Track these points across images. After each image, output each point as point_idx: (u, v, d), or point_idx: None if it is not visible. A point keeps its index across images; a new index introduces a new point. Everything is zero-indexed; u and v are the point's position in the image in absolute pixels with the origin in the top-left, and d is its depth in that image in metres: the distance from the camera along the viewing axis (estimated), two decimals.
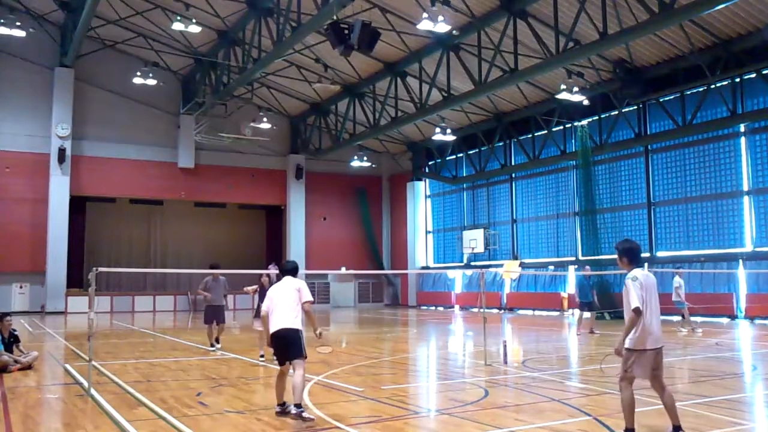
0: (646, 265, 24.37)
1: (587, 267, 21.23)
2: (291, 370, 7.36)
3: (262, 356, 12.66)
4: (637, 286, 5.94)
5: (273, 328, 7.38)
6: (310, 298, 7.56)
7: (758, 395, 9.10)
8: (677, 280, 18.75)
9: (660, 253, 25.37)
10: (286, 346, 7.34)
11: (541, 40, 20.61)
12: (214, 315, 14.56)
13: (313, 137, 36.19)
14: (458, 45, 24.36)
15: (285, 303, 7.45)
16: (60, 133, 31.48)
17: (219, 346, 14.39)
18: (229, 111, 34.06)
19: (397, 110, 28.57)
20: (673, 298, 18.48)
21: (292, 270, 7.91)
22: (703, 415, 7.13)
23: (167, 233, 36.99)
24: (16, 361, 11.18)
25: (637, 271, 6.08)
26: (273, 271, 14.56)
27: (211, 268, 15.43)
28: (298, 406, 7.01)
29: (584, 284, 18.53)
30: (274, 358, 12.56)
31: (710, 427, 6.60)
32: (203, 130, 34.45)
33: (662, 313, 6.43)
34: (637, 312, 5.86)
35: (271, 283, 13.40)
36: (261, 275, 13.64)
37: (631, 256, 6.21)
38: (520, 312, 30.49)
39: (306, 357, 7.37)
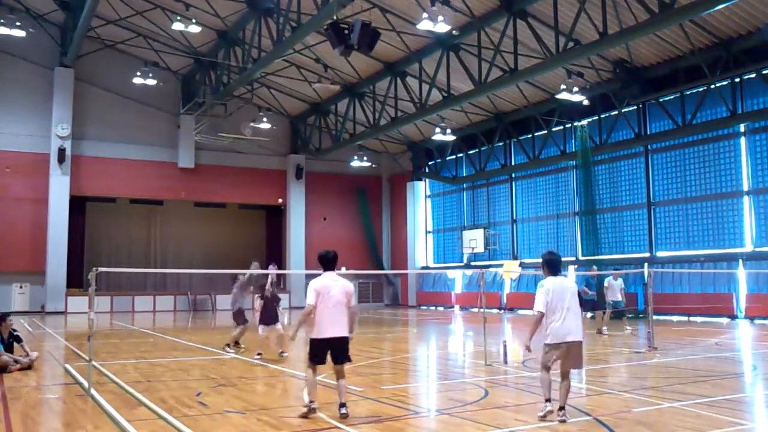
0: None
1: (594, 267, 21.13)
2: (307, 372, 7.38)
3: (259, 354, 12.67)
4: (543, 292, 7.05)
5: (325, 333, 7.09)
6: (354, 303, 7.43)
7: (758, 395, 9.10)
8: (611, 281, 18.74)
9: (660, 253, 25.37)
10: (337, 352, 7.20)
11: (541, 40, 20.61)
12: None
13: (313, 137, 36.18)
14: (458, 45, 24.36)
15: (337, 306, 7.14)
16: (60, 133, 31.48)
17: (233, 349, 14.08)
18: (229, 111, 34.05)
19: (397, 110, 28.57)
20: (609, 298, 18.53)
21: (334, 261, 7.42)
22: (703, 415, 7.13)
23: (167, 233, 36.99)
24: (16, 361, 11.18)
25: (548, 280, 7.13)
26: (273, 271, 14.58)
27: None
28: (343, 405, 7.13)
29: (590, 283, 18.49)
30: (283, 354, 12.61)
31: (710, 427, 6.60)
32: (203, 130, 34.43)
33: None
34: (539, 314, 7.08)
35: (272, 290, 13.50)
36: (264, 283, 13.61)
37: (551, 266, 7.25)
38: (520, 312, 30.48)
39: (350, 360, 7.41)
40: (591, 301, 18.17)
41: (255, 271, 14.89)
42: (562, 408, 6.89)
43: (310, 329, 7.26)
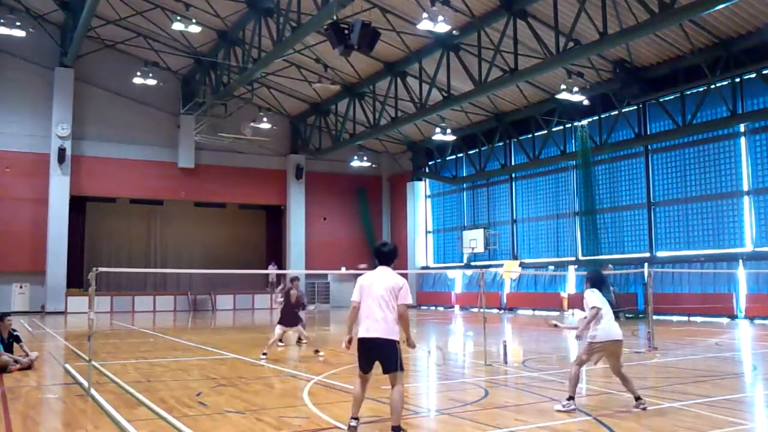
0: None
1: (609, 265, 20.98)
2: (356, 384, 6.61)
3: (264, 354, 12.68)
4: (596, 294, 7.81)
5: (362, 332, 6.30)
6: (409, 301, 6.39)
7: (758, 395, 9.10)
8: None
9: (660, 253, 25.37)
10: (377, 357, 6.35)
11: (541, 40, 20.61)
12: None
13: (313, 137, 36.18)
14: (458, 45, 24.36)
15: (379, 304, 6.29)
16: (60, 133, 31.48)
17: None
18: (229, 111, 34.05)
19: (397, 110, 28.56)
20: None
21: (389, 255, 6.61)
22: (703, 415, 7.13)
23: (167, 233, 36.98)
24: (16, 361, 11.18)
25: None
26: (273, 271, 14.63)
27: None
28: (396, 429, 6.13)
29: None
30: (319, 353, 12.76)
31: (710, 427, 6.60)
32: (203, 130, 34.44)
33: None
34: (596, 310, 7.66)
35: (298, 296, 13.64)
36: (292, 286, 13.64)
37: (597, 284, 8.04)
38: (520, 312, 30.49)
39: (403, 369, 6.43)
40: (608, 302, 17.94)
41: (255, 271, 14.93)
42: (638, 398, 7.50)
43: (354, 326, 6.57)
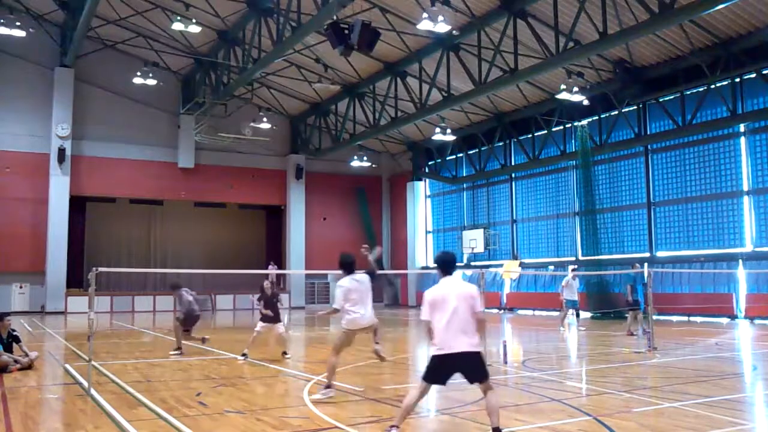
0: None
1: (637, 264, 20.81)
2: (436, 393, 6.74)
3: (244, 355, 12.62)
4: (342, 291, 8.40)
5: (444, 349, 6.09)
6: (482, 308, 6.30)
7: (758, 395, 9.10)
8: (569, 281, 18.90)
9: (660, 253, 25.36)
10: (461, 371, 6.21)
11: (541, 40, 20.60)
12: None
13: (313, 137, 36.18)
14: (458, 45, 24.35)
15: (457, 316, 6.07)
16: (60, 133, 31.48)
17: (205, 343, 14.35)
18: (229, 111, 34.05)
19: (397, 110, 28.56)
20: (566, 296, 18.70)
21: (453, 264, 6.52)
22: (703, 415, 7.13)
23: (167, 233, 36.98)
24: (16, 361, 11.18)
25: (344, 279, 8.43)
26: (273, 271, 14.63)
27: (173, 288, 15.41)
28: (497, 430, 6.02)
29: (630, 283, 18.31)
30: (286, 355, 12.69)
31: (710, 427, 6.60)
32: (203, 130, 34.43)
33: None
34: (336, 309, 8.44)
35: (272, 288, 13.52)
36: (263, 282, 13.60)
37: (344, 266, 8.52)
38: (520, 312, 30.49)
39: (488, 374, 6.31)
40: (636, 301, 17.73)
41: (255, 271, 14.95)
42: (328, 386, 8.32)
43: (432, 344, 6.35)
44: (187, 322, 14.21)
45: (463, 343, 6.02)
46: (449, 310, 6.09)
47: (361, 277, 8.61)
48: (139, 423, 6.98)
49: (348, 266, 8.59)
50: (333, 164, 38.29)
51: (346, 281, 8.43)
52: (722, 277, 23.10)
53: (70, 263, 31.72)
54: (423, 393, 6.30)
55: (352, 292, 8.40)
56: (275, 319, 13.13)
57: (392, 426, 6.14)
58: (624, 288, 18.23)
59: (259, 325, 13.09)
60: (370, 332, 8.90)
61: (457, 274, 6.51)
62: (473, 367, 6.12)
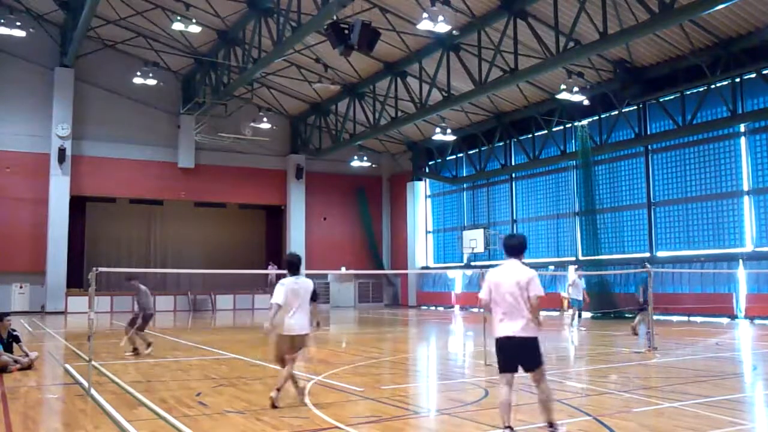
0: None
1: (647, 264, 20.76)
2: (500, 386, 6.21)
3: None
4: (282, 288, 7.83)
5: (499, 332, 6.11)
6: (540, 292, 6.02)
7: (758, 395, 9.10)
8: (576, 281, 18.89)
9: (660, 253, 25.36)
10: (517, 356, 6.08)
11: (541, 40, 20.61)
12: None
13: (313, 137, 36.18)
14: (458, 45, 24.36)
15: (511, 300, 6.02)
16: (60, 133, 31.48)
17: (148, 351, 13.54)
18: (229, 111, 34.05)
19: (397, 110, 28.56)
20: (572, 295, 18.69)
21: (517, 248, 6.26)
22: (703, 415, 7.13)
23: (167, 233, 36.97)
24: (16, 361, 11.18)
25: (287, 278, 7.97)
26: (272, 271, 14.59)
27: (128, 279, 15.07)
28: (551, 425, 5.90)
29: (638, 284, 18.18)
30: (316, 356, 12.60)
31: (710, 427, 6.60)
32: (203, 130, 34.44)
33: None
34: (276, 306, 7.80)
35: (271, 284, 13.49)
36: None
37: (289, 267, 8.11)
38: None
39: (544, 363, 6.13)
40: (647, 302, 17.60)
41: (255, 271, 14.86)
42: (279, 389, 7.86)
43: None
44: (147, 319, 13.68)
45: (516, 328, 5.99)
46: (502, 294, 6.07)
47: (304, 282, 8.02)
48: (139, 423, 6.98)
49: (293, 266, 8.12)
50: (333, 164, 38.29)
51: (289, 281, 7.92)
52: (722, 277, 23.10)
53: (70, 263, 31.71)
54: (507, 385, 6.10)
55: (289, 294, 7.83)
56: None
57: (506, 427, 5.96)
58: (637, 288, 18.13)
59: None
60: (292, 356, 7.93)
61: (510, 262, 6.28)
62: (527, 353, 6.02)
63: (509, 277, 6.08)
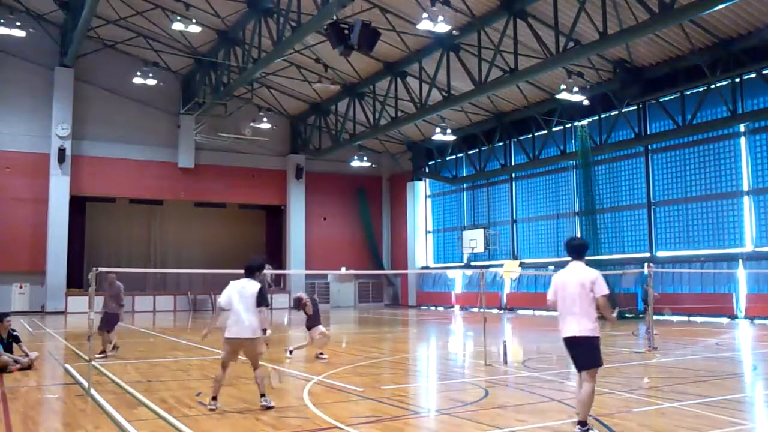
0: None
1: (651, 265, 20.73)
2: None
3: (321, 354, 12.64)
4: (225, 291, 7.84)
5: (562, 332, 6.35)
6: (605, 291, 6.24)
7: (758, 395, 9.10)
8: None
9: (660, 253, 25.37)
10: (575, 355, 6.33)
11: (541, 40, 20.60)
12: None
13: (313, 137, 36.18)
14: (458, 45, 24.35)
15: (574, 301, 6.22)
16: (60, 133, 31.48)
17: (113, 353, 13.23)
18: (229, 111, 34.06)
19: (397, 110, 28.56)
20: None
21: (579, 249, 6.49)
22: (703, 415, 7.13)
23: (167, 233, 36.96)
24: (16, 361, 11.18)
25: (235, 281, 7.94)
26: (268, 271, 14.54)
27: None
28: (582, 424, 6.04)
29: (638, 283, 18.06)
30: (320, 357, 12.61)
31: (710, 427, 6.60)
32: (203, 130, 34.44)
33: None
34: (218, 308, 7.89)
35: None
36: (302, 296, 13.47)
37: (244, 269, 8.09)
38: (520, 312, 30.48)
39: (601, 365, 6.31)
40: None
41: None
42: (263, 395, 7.74)
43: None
44: (116, 320, 13.39)
45: (572, 328, 6.23)
46: (566, 295, 6.29)
47: (251, 285, 7.88)
48: (139, 423, 6.99)
49: (247, 269, 8.08)
50: (333, 164, 38.29)
51: (235, 283, 7.90)
52: (722, 277, 23.10)
53: (70, 263, 31.71)
54: (580, 384, 6.30)
55: (233, 296, 7.78)
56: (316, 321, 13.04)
57: (579, 423, 6.11)
58: (642, 288, 18.08)
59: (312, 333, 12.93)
60: (232, 360, 7.89)
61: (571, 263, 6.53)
62: (584, 352, 6.22)
63: (574, 278, 6.30)
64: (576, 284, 6.24)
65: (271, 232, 39.32)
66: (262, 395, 7.67)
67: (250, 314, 7.70)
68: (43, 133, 31.59)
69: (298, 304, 13.38)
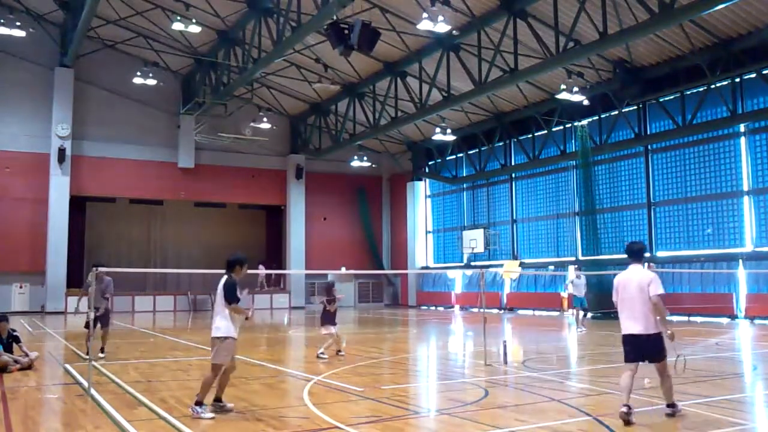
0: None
1: (652, 265, 20.80)
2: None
3: (322, 353, 12.65)
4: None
5: (625, 329, 6.99)
6: (660, 291, 6.83)
7: (758, 395, 9.10)
8: (575, 280, 19.07)
9: (660, 253, 25.37)
10: (642, 351, 6.95)
11: (541, 40, 20.60)
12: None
13: (313, 137, 36.18)
14: (458, 45, 24.36)
15: (632, 301, 6.87)
16: (60, 133, 31.48)
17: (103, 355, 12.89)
18: (229, 111, 34.05)
19: (397, 110, 28.56)
20: (575, 293, 18.90)
21: (638, 253, 7.14)
22: (703, 415, 7.13)
23: (167, 233, 36.97)
24: (16, 361, 11.18)
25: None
26: (263, 271, 14.52)
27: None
28: (672, 405, 6.97)
29: None
30: (339, 352, 12.73)
31: (710, 427, 6.60)
32: (203, 130, 34.43)
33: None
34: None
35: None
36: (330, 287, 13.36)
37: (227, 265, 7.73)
38: (520, 312, 30.49)
39: (666, 356, 6.99)
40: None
41: (254, 271, 14.72)
42: (217, 399, 7.59)
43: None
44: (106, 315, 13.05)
45: (634, 326, 6.86)
46: (626, 295, 6.91)
47: (222, 281, 7.69)
48: (139, 423, 6.99)
49: (227, 264, 7.80)
50: (333, 164, 38.29)
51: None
52: (722, 277, 23.10)
53: (70, 263, 31.69)
54: (629, 371, 6.98)
55: (217, 294, 7.70)
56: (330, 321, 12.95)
57: (624, 405, 6.67)
58: None
59: (323, 330, 12.89)
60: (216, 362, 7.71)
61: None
62: (652, 347, 6.87)
63: (633, 279, 6.94)
64: (635, 285, 6.86)
65: (271, 232, 39.33)
66: (198, 402, 7.33)
67: (217, 313, 7.59)
68: (43, 133, 31.59)
69: (329, 290, 13.16)
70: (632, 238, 26.39)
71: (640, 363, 7.11)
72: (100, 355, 12.74)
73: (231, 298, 7.45)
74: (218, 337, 7.54)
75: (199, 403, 7.29)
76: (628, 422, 6.54)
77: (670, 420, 7.03)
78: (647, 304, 6.79)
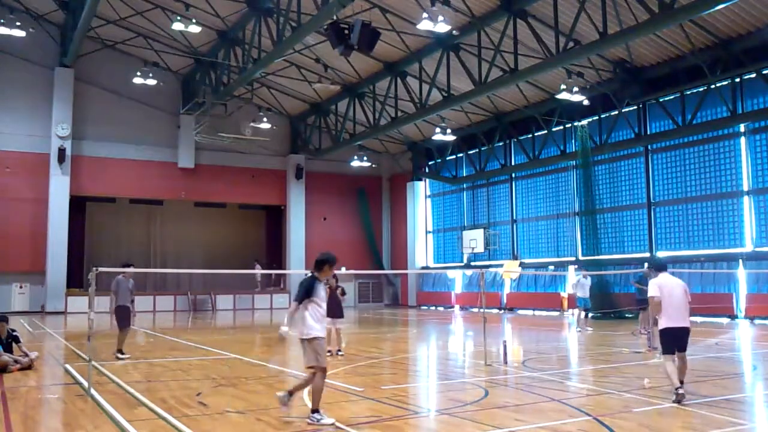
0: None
1: (646, 264, 20.68)
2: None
3: (339, 352, 12.68)
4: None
5: (672, 323, 8.18)
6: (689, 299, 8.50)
7: (758, 395, 9.10)
8: (581, 280, 19.10)
9: (660, 253, 25.35)
10: (682, 340, 8.20)
11: (541, 40, 20.60)
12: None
13: (313, 137, 36.18)
14: (458, 45, 24.35)
15: (680, 301, 8.27)
16: (60, 133, 31.48)
17: (126, 356, 12.99)
18: (229, 111, 34.05)
19: (397, 110, 28.56)
20: (579, 294, 18.90)
21: (665, 266, 8.75)
22: (703, 415, 7.13)
23: (167, 233, 36.96)
24: (16, 361, 11.19)
25: None
26: (259, 271, 14.54)
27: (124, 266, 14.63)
28: (682, 384, 7.98)
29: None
30: (337, 353, 12.71)
31: (710, 427, 6.60)
32: (203, 130, 34.41)
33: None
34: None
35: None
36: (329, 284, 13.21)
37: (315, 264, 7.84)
38: (520, 312, 30.48)
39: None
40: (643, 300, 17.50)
41: (255, 271, 14.78)
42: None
43: (660, 321, 8.28)
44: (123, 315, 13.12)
45: (683, 321, 8.23)
46: (675, 295, 8.26)
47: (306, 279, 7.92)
48: (139, 423, 6.99)
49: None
50: (333, 164, 38.28)
51: None
52: (722, 277, 23.09)
53: (70, 263, 31.69)
54: (672, 359, 8.14)
55: None
56: (336, 314, 12.68)
57: (677, 388, 7.78)
58: (637, 288, 18.08)
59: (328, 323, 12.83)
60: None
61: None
62: (685, 338, 8.25)
63: (677, 284, 8.41)
64: (681, 289, 8.34)
65: (271, 232, 39.33)
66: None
67: (306, 315, 7.42)
68: (43, 133, 31.59)
69: (337, 280, 12.97)
70: (632, 238, 26.45)
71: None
72: (126, 356, 12.81)
73: (303, 295, 7.26)
74: (315, 338, 7.14)
75: (315, 411, 6.98)
76: (681, 401, 7.64)
77: (670, 420, 7.03)
78: (688, 304, 8.33)
